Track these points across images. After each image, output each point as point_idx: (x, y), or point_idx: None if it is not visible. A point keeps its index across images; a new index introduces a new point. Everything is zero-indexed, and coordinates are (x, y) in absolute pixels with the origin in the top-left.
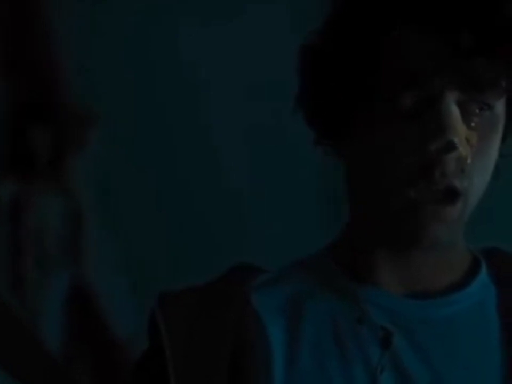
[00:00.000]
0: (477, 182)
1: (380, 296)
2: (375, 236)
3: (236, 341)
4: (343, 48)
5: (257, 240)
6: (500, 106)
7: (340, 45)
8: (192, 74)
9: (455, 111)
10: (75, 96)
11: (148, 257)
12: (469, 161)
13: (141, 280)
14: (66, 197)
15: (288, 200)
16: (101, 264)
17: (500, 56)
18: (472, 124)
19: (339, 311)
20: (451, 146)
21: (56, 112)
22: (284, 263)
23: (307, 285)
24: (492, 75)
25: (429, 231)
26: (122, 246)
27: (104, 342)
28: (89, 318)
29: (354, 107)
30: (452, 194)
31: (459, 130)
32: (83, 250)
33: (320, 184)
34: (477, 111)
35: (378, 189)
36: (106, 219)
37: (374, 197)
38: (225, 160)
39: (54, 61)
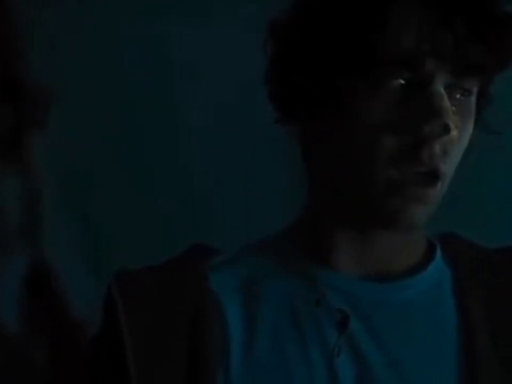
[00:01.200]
0: (451, 166)
1: (337, 279)
2: (338, 218)
3: (193, 320)
4: (318, 27)
5: (218, 221)
6: (475, 92)
7: (315, 24)
8: (157, 52)
9: (444, 94)
10: (36, 76)
11: (106, 237)
12: (453, 144)
13: (99, 259)
14: (25, 178)
15: (250, 182)
16: (60, 244)
17: (490, 43)
18: (453, 108)
19: (297, 293)
20: (447, 129)
21: (16, 92)
22: (243, 245)
23: (265, 267)
24: (483, 62)
25: (409, 213)
26: (81, 226)
27: (62, 321)
28: (47, 298)
29: (331, 85)
30: (434, 177)
31: (451, 114)
32: (42, 231)
33: (284, 166)
34: (458, 96)
35: (355, 169)
36: (65, 200)
37: (346, 178)
38: (189, 142)
39: (14, 40)
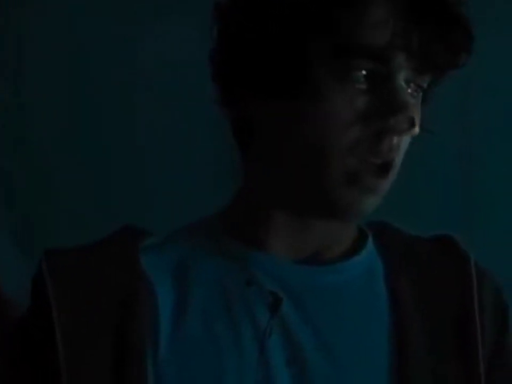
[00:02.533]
0: (401, 158)
1: (270, 262)
2: (276, 203)
3: (122, 301)
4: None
5: (152, 200)
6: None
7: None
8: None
9: (406, 89)
10: None
11: (35, 214)
12: (408, 138)
13: (29, 237)
14: None
15: (185, 163)
16: None
17: (450, 44)
18: None
19: (228, 275)
20: (413, 123)
21: None
22: (178, 226)
23: (196, 249)
24: (442, 61)
25: (362, 203)
26: (9, 202)
27: None
28: None
29: (283, 67)
30: (387, 168)
31: (415, 109)
32: None
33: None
34: (411, 91)
35: (310, 157)
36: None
37: (298, 165)
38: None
39: None
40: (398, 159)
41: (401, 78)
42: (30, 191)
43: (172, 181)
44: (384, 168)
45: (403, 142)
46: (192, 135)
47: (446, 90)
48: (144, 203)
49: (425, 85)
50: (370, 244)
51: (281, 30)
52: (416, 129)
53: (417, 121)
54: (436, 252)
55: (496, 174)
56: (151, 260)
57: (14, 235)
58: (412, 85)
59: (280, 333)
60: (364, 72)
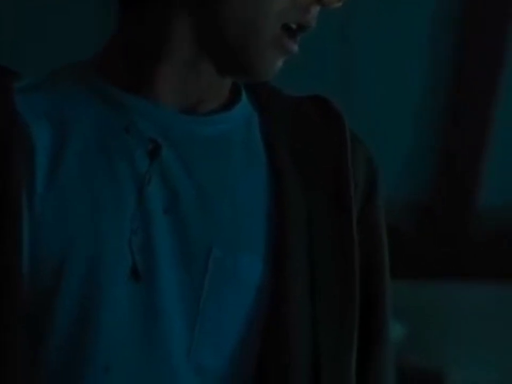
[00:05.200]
0: None
1: (149, 108)
2: (167, 50)
3: None
4: None
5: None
6: None
7: None
8: None
9: None
10: None
11: None
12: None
13: None
14: None
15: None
16: None
17: None
18: None
19: (107, 121)
20: None
21: None
22: (52, 69)
23: (75, 93)
24: None
25: (277, 64)
26: None
27: None
28: None
29: None
30: (301, 32)
31: None
32: None
33: None
34: None
35: (238, 17)
36: None
37: (219, 24)
38: None
39: None
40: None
41: None
42: None
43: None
44: (299, 32)
45: None
46: None
47: None
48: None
49: None
50: (244, 98)
51: None
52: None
53: None
54: (311, 109)
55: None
56: (27, 101)
57: None
58: None
59: (159, 181)
60: None
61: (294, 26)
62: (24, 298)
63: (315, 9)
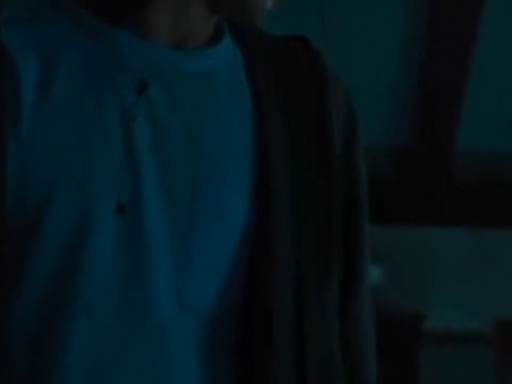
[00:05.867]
0: None
1: (138, 43)
2: None
3: None
4: None
5: None
6: None
7: None
8: None
9: None
10: None
11: None
12: None
13: None
14: None
15: None
16: None
17: None
18: None
19: (94, 53)
20: None
21: None
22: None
23: (59, 25)
24: None
25: (267, 6)
26: None
27: None
28: None
29: None
30: None
31: None
32: None
33: None
34: None
35: None
36: None
37: None
38: None
39: None
40: None
41: None
42: None
43: None
44: None
45: None
46: None
47: None
48: None
49: None
50: (228, 36)
51: None
52: None
53: None
54: (293, 48)
55: None
56: (11, 33)
57: None
58: None
59: (146, 116)
60: None
61: None
62: (7, 231)
63: None
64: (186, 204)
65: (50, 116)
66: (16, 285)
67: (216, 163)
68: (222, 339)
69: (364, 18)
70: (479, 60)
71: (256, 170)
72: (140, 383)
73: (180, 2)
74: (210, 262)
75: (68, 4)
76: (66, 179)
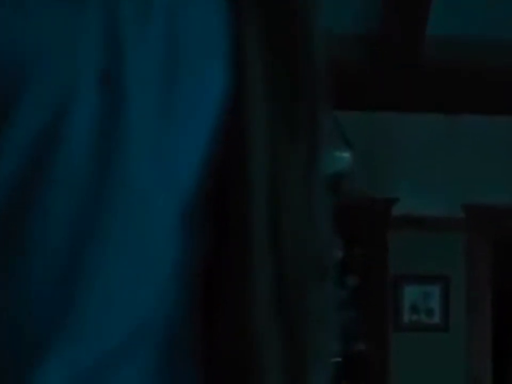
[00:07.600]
0: None
1: None
2: None
3: None
4: None
5: None
6: None
7: None
8: None
9: None
10: None
11: None
12: None
13: None
14: None
15: None
16: None
17: None
18: None
19: None
20: None
21: None
22: None
23: None
24: None
25: None
26: None
27: None
28: None
29: None
30: None
31: None
32: None
33: None
34: None
35: None
36: None
37: None
38: None
39: None
40: None
41: None
42: None
43: None
44: None
45: None
46: None
47: None
48: None
49: None
50: None
51: None
52: None
53: None
54: None
55: None
56: None
57: None
58: None
59: None
60: None
61: None
62: None
63: None
64: (166, 74)
65: None
66: None
67: (196, 34)
68: (198, 216)
69: None
70: None
71: (231, 38)
72: (116, 254)
73: None
74: (191, 133)
75: None
76: (49, 46)
